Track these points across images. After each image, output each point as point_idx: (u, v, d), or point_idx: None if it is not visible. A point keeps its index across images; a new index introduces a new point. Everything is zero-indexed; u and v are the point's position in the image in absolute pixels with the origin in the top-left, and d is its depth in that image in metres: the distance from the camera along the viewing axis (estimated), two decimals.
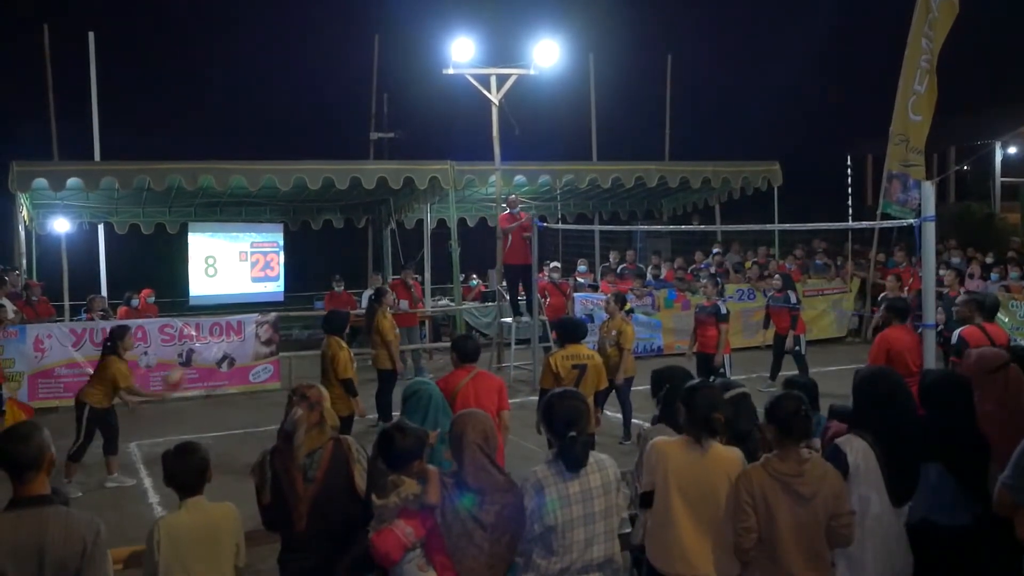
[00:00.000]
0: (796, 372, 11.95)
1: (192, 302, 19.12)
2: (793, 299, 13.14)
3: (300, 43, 48.59)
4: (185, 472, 4.23)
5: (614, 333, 9.94)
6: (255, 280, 19.75)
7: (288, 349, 15.13)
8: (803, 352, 12.93)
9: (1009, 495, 3.58)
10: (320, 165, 15.45)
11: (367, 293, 17.53)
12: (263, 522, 4.44)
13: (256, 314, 14.50)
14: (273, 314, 14.70)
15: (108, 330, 9.81)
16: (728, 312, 11.56)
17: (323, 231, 21.12)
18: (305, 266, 23.28)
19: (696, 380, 4.76)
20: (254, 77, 42.36)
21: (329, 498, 4.29)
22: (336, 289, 17.67)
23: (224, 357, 13.74)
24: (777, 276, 13.89)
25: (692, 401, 4.31)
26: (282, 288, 20.26)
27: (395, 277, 16.76)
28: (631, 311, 11.04)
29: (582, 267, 18.32)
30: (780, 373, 12.88)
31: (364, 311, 15.65)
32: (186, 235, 19.17)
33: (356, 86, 25.69)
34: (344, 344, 9.22)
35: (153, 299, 16.65)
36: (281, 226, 20.21)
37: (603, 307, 11.03)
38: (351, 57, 28.60)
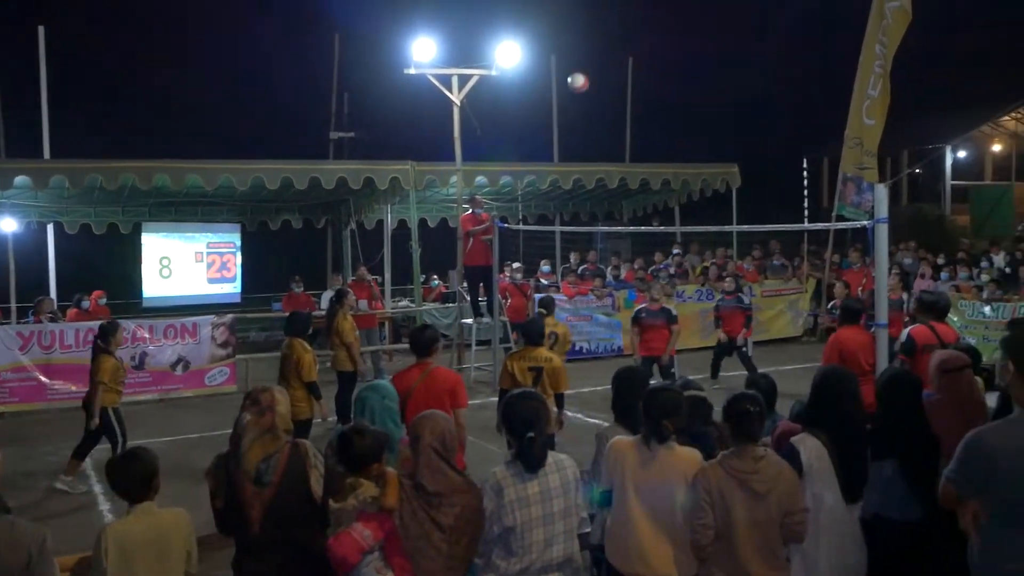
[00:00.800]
0: (741, 372, 12.06)
1: (146, 304, 18.82)
2: (746, 300, 13.20)
3: (259, 41, 48.27)
4: (130, 479, 4.16)
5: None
6: (211, 281, 19.50)
7: (245, 351, 14.96)
8: (749, 353, 13.01)
9: (952, 489, 3.64)
10: (279, 165, 15.30)
11: (327, 294, 17.40)
12: (217, 526, 4.36)
13: (212, 316, 14.31)
14: (229, 316, 14.52)
15: (97, 328, 9.48)
16: (677, 314, 11.61)
17: (281, 231, 20.93)
18: (263, 267, 23.01)
19: (659, 383, 4.78)
20: (212, 75, 42.01)
21: (285, 502, 4.21)
22: (295, 290, 17.49)
23: (179, 360, 13.50)
24: (729, 278, 13.98)
25: (649, 404, 4.35)
26: (239, 289, 20.03)
27: (353, 278, 16.62)
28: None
29: (545, 268, 18.30)
30: (721, 373, 13.01)
31: (325, 312, 15.57)
32: (139, 235, 18.89)
33: (316, 85, 25.51)
34: (309, 347, 9.09)
35: (105, 301, 16.34)
36: (238, 226, 19.99)
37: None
38: (311, 56, 28.46)
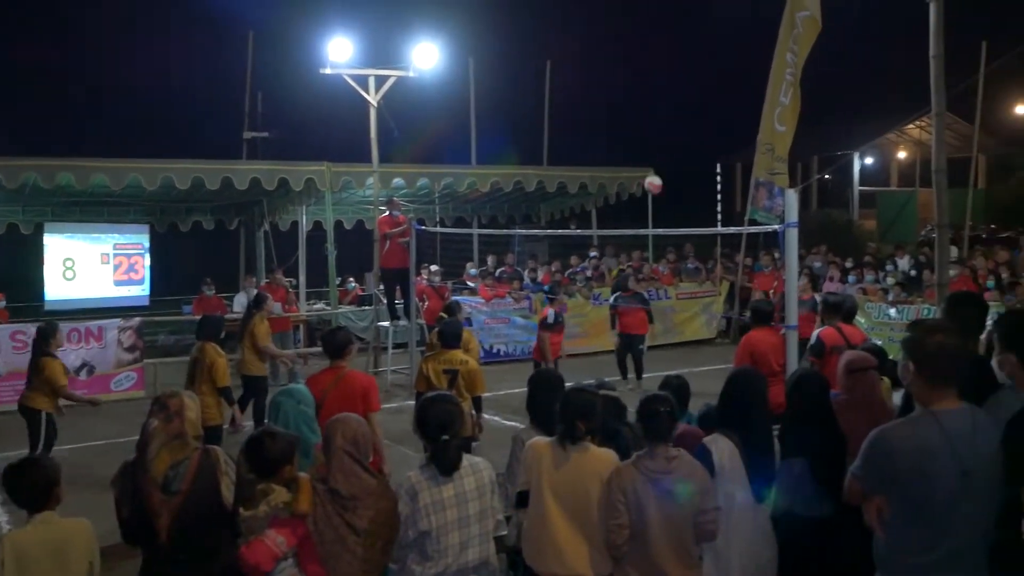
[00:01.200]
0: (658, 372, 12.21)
1: (48, 307, 18.16)
2: (646, 297, 13.47)
3: (170, 39, 47.15)
4: (27, 488, 4.04)
5: None
6: (118, 284, 18.94)
7: (153, 356, 14.58)
8: (643, 352, 13.21)
9: (858, 485, 3.72)
10: (189, 164, 14.97)
11: (239, 297, 17.09)
12: (122, 536, 4.22)
13: (119, 319, 13.90)
14: (137, 319, 14.13)
15: (36, 330, 9.16)
16: (558, 321, 11.92)
17: (192, 233, 20.45)
18: (172, 269, 22.45)
19: (574, 384, 4.82)
20: (120, 72, 40.96)
21: (194, 511, 4.11)
22: (206, 293, 17.10)
23: (83, 365, 13.06)
24: (629, 277, 14.26)
25: (564, 405, 4.39)
26: (147, 292, 19.49)
27: (267, 280, 16.35)
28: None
29: (472, 271, 18.23)
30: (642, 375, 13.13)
31: (235, 316, 15.27)
32: (42, 236, 18.25)
33: (229, 84, 24.99)
34: (221, 351, 8.89)
35: (4, 303, 15.75)
36: (147, 227, 19.45)
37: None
38: (224, 54, 27.85)
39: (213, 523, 4.15)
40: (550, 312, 11.79)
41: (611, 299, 13.94)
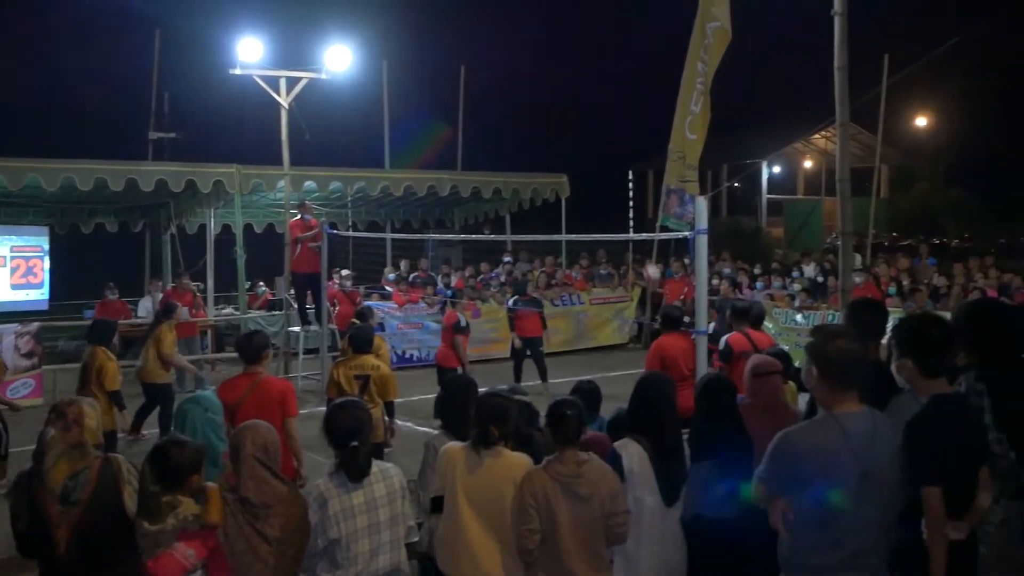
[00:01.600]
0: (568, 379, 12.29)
1: None
2: (541, 302, 13.62)
3: (73, 35, 45.83)
4: None
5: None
6: (15, 287, 18.28)
7: (53, 362, 14.12)
8: (543, 354, 13.33)
9: (763, 487, 3.77)
10: (92, 165, 14.56)
11: (144, 301, 16.70)
12: (17, 549, 4.09)
13: (16, 324, 13.41)
14: (35, 324, 13.65)
15: None
16: (467, 325, 11.83)
17: (95, 235, 19.91)
18: (74, 272, 21.80)
19: (488, 389, 4.81)
20: (20, 68, 39.71)
21: (94, 521, 4.00)
22: (109, 297, 16.63)
23: None
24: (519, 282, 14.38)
25: (478, 410, 4.39)
26: (46, 296, 18.87)
27: (173, 284, 15.98)
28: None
29: (391, 276, 18.10)
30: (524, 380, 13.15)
31: (140, 321, 14.94)
32: None
33: (134, 83, 24.39)
34: (112, 355, 8.65)
35: None
36: (47, 229, 18.83)
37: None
38: (129, 52, 27.19)
39: (114, 534, 4.04)
40: (461, 316, 11.72)
41: (509, 302, 13.98)
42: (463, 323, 11.62)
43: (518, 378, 13.02)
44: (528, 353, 13.22)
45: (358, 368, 7.69)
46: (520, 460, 4.34)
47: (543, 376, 13.06)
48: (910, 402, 3.84)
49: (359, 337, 8.01)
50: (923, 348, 3.81)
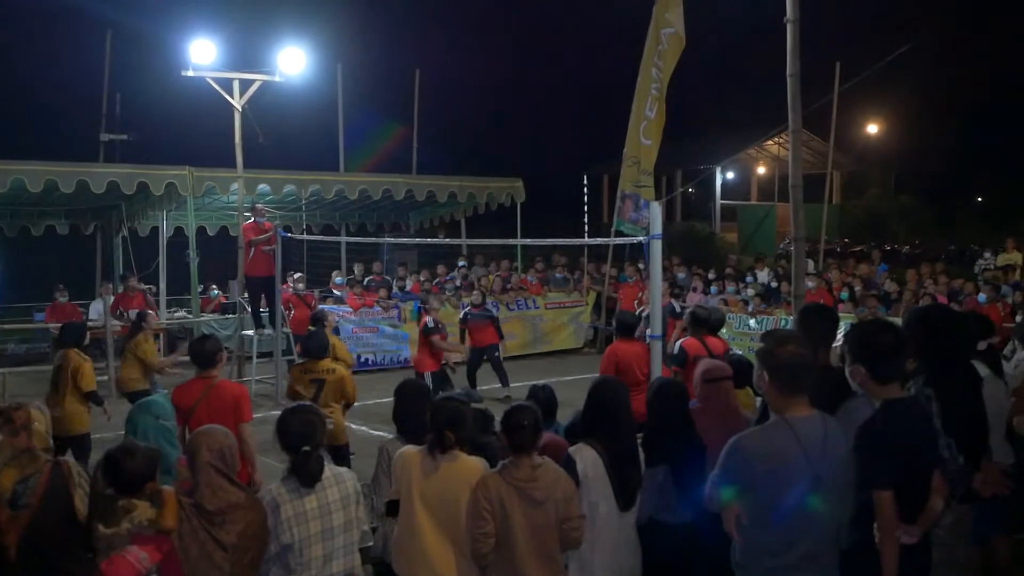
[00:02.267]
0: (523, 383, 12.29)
1: None
2: (495, 311, 13.56)
3: (21, 34, 45.06)
4: None
5: None
6: None
7: (3, 365, 13.91)
8: (501, 359, 13.33)
9: (717, 491, 3.83)
10: (42, 166, 14.36)
11: (95, 304, 16.48)
12: None
13: None
14: None
15: None
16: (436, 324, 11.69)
17: (45, 237, 19.56)
18: (23, 275, 21.47)
19: (444, 393, 4.83)
20: None
21: (44, 526, 3.96)
22: (60, 300, 16.39)
23: None
24: (476, 292, 14.36)
25: (434, 414, 4.39)
26: None
27: (121, 290, 15.77)
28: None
29: (339, 279, 18.01)
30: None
31: (92, 324, 14.71)
32: None
33: (85, 83, 24.04)
34: (85, 356, 8.54)
35: None
36: None
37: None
38: (80, 52, 26.81)
39: (65, 538, 4.01)
40: (429, 319, 11.63)
41: (461, 314, 13.93)
42: (431, 324, 11.54)
43: (472, 385, 13.00)
44: (485, 358, 13.23)
45: (313, 372, 7.69)
46: (475, 465, 4.35)
47: (504, 381, 13.06)
48: (863, 406, 3.88)
49: (310, 344, 7.98)
50: (875, 354, 3.84)
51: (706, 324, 8.17)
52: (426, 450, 4.35)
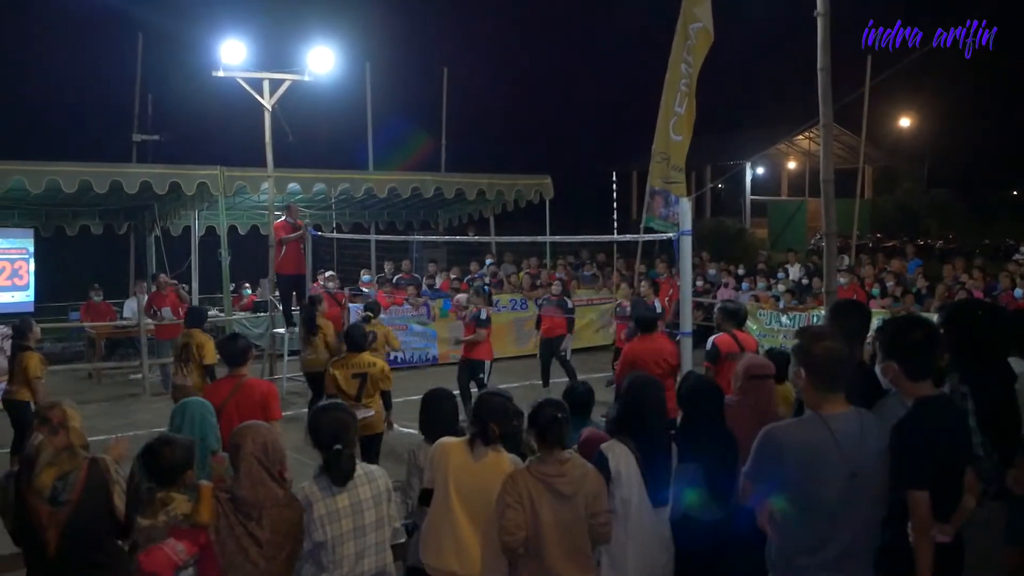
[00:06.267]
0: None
1: None
2: (569, 304, 13.58)
3: (57, 38, 45.62)
4: None
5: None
6: (1, 289, 18.24)
7: None
8: (568, 357, 13.30)
9: (750, 485, 3.81)
10: (76, 167, 14.51)
11: (129, 303, 16.63)
12: (13, 541, 4.16)
13: (1, 326, 13.35)
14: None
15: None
16: (488, 318, 11.62)
17: (80, 237, 19.82)
18: (59, 274, 21.74)
19: (487, 389, 4.84)
20: (5, 71, 39.50)
21: (83, 522, 4.04)
22: (94, 299, 16.59)
23: None
24: (557, 282, 14.34)
25: (478, 407, 4.42)
26: (32, 298, 18.81)
27: (154, 289, 15.92)
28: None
29: (366, 277, 18.08)
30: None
31: (125, 323, 14.88)
32: None
33: (118, 85, 24.32)
34: (209, 336, 9.32)
35: None
36: (31, 231, 18.77)
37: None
38: (112, 55, 27.11)
39: (104, 533, 4.10)
40: (482, 310, 11.55)
41: (539, 301, 14.13)
42: (484, 315, 11.48)
43: (546, 379, 13.01)
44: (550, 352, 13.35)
45: (355, 366, 7.72)
46: (514, 461, 4.38)
47: (572, 376, 12.93)
48: (895, 405, 3.82)
49: (353, 336, 8.02)
50: (907, 350, 3.79)
51: (735, 318, 8.13)
52: (467, 442, 4.37)
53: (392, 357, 15.58)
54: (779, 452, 3.62)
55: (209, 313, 17.72)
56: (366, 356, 7.88)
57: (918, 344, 3.79)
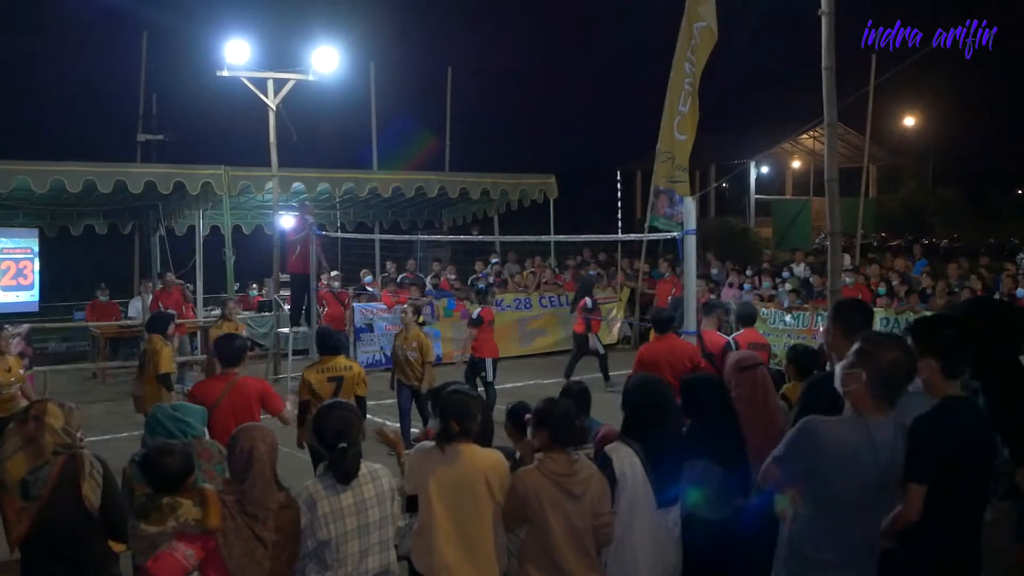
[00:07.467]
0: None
1: None
2: (590, 303, 13.72)
3: (61, 37, 45.70)
4: None
5: (414, 344, 9.94)
6: (5, 289, 18.23)
7: (43, 363, 14.08)
8: (601, 351, 13.65)
9: (776, 469, 3.76)
10: (81, 167, 14.51)
11: (134, 303, 16.66)
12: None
13: (7, 325, 13.36)
14: (26, 325, 13.57)
15: None
16: (480, 317, 11.67)
17: (84, 237, 19.83)
18: (64, 274, 21.79)
19: (452, 386, 4.80)
20: (8, 70, 39.57)
21: (56, 517, 4.05)
22: (100, 299, 16.63)
23: None
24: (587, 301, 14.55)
25: (441, 406, 4.39)
26: (37, 298, 18.83)
27: (160, 287, 15.95)
28: (422, 323, 11.02)
29: (367, 277, 18.10)
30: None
31: (130, 322, 14.91)
32: None
33: (122, 85, 24.35)
34: (167, 342, 8.86)
35: None
36: (36, 231, 18.78)
37: (401, 318, 10.88)
38: (117, 54, 27.14)
39: (77, 529, 4.09)
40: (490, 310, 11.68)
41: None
42: (475, 315, 11.55)
43: (569, 375, 13.12)
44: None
45: (331, 370, 7.53)
46: (492, 455, 4.37)
47: (604, 374, 13.49)
48: (920, 405, 3.79)
49: (324, 340, 7.85)
50: (946, 348, 3.77)
51: (752, 320, 8.19)
52: (435, 443, 4.36)
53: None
54: (817, 444, 3.60)
55: (214, 312, 17.86)
56: (341, 360, 7.68)
57: (955, 341, 3.79)
